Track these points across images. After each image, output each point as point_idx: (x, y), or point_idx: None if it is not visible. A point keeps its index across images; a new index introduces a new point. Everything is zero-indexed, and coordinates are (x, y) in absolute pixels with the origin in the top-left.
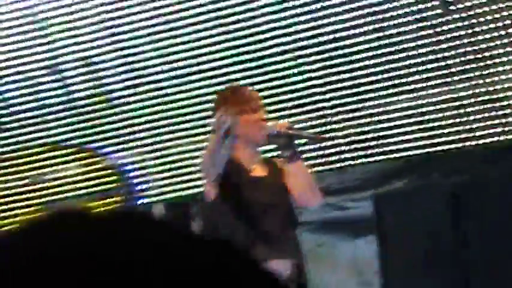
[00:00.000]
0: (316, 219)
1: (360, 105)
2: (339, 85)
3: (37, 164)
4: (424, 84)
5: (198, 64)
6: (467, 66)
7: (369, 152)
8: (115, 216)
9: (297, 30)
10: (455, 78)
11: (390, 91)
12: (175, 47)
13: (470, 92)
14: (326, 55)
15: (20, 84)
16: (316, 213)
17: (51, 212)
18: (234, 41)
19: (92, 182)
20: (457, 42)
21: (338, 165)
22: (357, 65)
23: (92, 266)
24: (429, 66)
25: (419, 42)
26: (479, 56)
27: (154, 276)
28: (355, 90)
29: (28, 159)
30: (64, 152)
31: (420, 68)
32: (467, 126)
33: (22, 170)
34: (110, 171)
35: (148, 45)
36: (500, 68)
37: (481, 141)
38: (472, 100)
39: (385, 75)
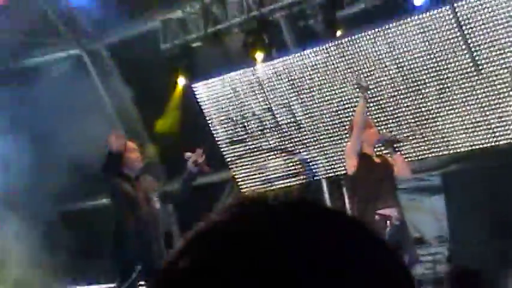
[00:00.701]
0: (408, 186)
1: (433, 117)
2: (424, 105)
3: (259, 159)
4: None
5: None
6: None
7: (437, 148)
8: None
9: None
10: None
11: (459, 109)
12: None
13: None
14: (416, 87)
15: (244, 121)
16: (408, 183)
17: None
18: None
19: (289, 169)
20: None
21: (420, 156)
22: (429, 89)
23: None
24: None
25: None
26: None
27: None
28: (431, 108)
29: (255, 156)
30: (272, 152)
31: (480, 95)
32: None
33: (253, 163)
34: (296, 162)
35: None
36: None
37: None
38: None
39: (457, 101)
